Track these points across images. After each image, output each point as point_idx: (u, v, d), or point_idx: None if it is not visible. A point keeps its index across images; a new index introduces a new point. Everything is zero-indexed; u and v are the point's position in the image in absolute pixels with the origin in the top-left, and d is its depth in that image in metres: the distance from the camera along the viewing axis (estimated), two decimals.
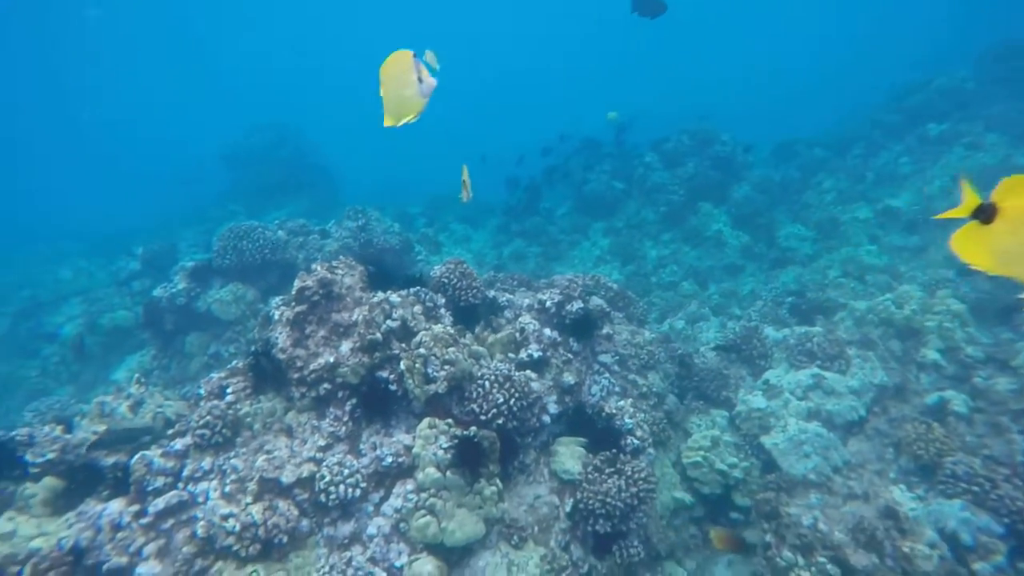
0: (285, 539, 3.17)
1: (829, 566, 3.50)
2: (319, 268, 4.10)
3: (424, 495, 3.32)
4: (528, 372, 4.06)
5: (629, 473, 3.80)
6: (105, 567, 3.10)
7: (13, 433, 3.81)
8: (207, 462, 3.59)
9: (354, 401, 3.70)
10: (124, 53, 37.77)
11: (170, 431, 3.94)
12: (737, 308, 8.62)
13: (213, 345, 7.09)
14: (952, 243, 1.59)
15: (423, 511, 3.27)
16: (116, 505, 3.38)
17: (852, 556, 3.50)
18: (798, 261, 9.53)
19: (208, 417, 3.64)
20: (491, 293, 4.78)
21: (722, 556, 4.60)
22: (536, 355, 4.21)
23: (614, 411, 4.32)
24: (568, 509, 3.76)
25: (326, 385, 3.74)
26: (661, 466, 4.85)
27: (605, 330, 4.95)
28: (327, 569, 3.05)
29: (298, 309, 3.94)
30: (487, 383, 3.72)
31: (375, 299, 3.99)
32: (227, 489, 3.40)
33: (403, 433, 3.66)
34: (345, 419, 3.68)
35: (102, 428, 3.94)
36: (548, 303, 4.66)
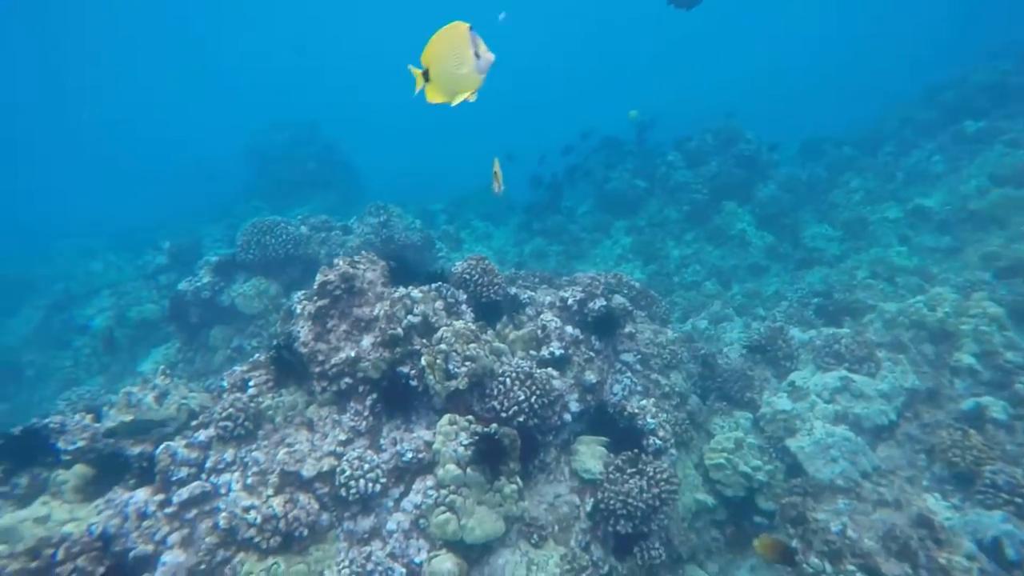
0: (305, 532, 3.18)
1: (859, 574, 3.40)
2: (341, 263, 4.11)
3: (444, 492, 3.30)
4: (550, 370, 4.02)
5: (651, 474, 3.74)
6: (132, 554, 3.14)
7: (46, 421, 3.91)
8: (229, 454, 3.62)
9: (375, 396, 3.71)
10: (134, 53, 38.59)
11: (194, 422, 3.98)
12: (761, 309, 8.46)
13: (236, 339, 7.18)
14: None
15: (443, 508, 3.26)
16: (142, 494, 3.43)
17: (883, 565, 3.39)
18: (825, 262, 9.32)
19: (231, 409, 3.67)
20: (513, 290, 4.74)
21: (745, 560, 4.51)
22: (558, 353, 4.16)
23: (636, 410, 4.25)
24: (589, 509, 3.72)
25: (347, 379, 3.75)
26: (683, 467, 4.77)
27: (627, 329, 4.88)
28: (347, 563, 3.05)
29: (320, 303, 3.95)
30: (508, 380, 3.69)
31: (396, 294, 3.99)
32: (249, 481, 3.43)
33: (423, 429, 3.65)
34: (365, 414, 3.68)
35: (129, 418, 4.01)
36: (570, 300, 4.61)
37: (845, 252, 9.32)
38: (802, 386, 5.33)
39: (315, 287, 4.02)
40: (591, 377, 4.21)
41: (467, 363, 3.64)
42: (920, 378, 5.01)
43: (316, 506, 3.29)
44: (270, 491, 3.34)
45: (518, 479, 3.48)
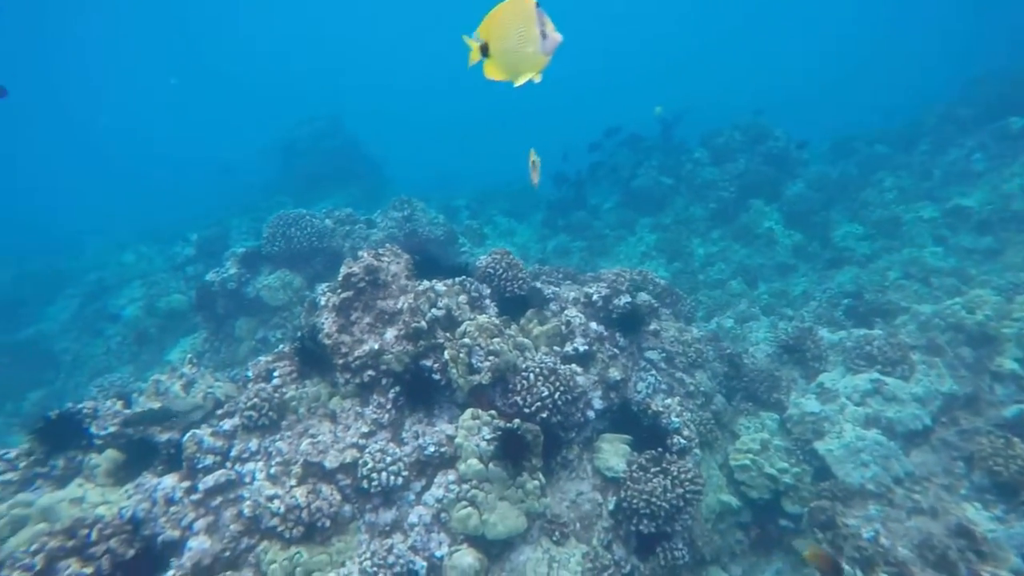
0: (328, 523, 3.19)
1: None
2: (366, 255, 4.11)
3: (466, 486, 3.29)
4: (573, 366, 3.98)
5: (675, 473, 3.68)
6: (160, 538, 3.20)
7: (80, 406, 4.01)
8: (254, 443, 3.66)
9: (397, 389, 3.70)
10: (164, 54, 39.39)
11: (219, 411, 4.04)
12: (789, 308, 8.29)
13: (261, 330, 7.27)
14: None
15: (464, 502, 3.24)
16: (169, 480, 3.48)
17: (919, 575, 3.28)
18: (855, 262, 9.09)
19: (255, 399, 3.71)
20: (537, 285, 4.70)
21: (770, 564, 4.42)
22: (582, 349, 4.12)
23: (661, 409, 4.19)
24: (611, 507, 3.67)
25: (370, 372, 3.75)
26: (707, 467, 4.69)
27: (652, 326, 4.82)
28: (368, 555, 3.05)
29: (344, 295, 3.96)
30: (532, 375, 3.65)
31: (420, 287, 3.98)
32: (272, 471, 3.46)
33: (445, 423, 3.64)
34: (388, 406, 3.68)
35: (157, 405, 4.08)
36: (595, 296, 4.56)
37: (876, 252, 9.07)
38: (831, 388, 5.20)
39: (339, 279, 4.03)
40: (615, 374, 4.16)
41: (490, 358, 3.62)
42: (958, 383, 4.84)
43: (338, 497, 3.30)
44: (293, 481, 3.36)
45: (540, 475, 3.45)
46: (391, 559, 3.05)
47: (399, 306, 3.92)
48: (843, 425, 4.75)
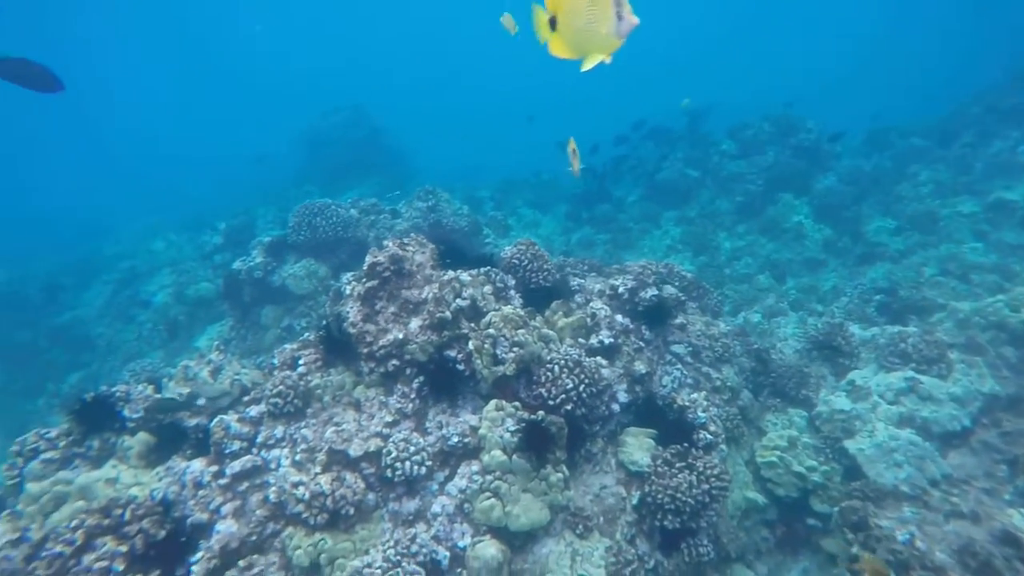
0: (352, 511, 3.21)
1: None
2: (391, 244, 4.11)
3: (489, 477, 3.28)
4: (598, 358, 3.93)
5: (701, 469, 3.62)
6: (189, 520, 3.26)
7: (114, 389, 4.11)
8: (279, 430, 3.70)
9: (421, 379, 3.70)
10: (195, 51, 40.03)
11: (246, 398, 4.09)
12: (818, 304, 8.10)
13: (286, 318, 7.36)
14: None
15: (488, 493, 3.23)
16: (198, 464, 3.55)
17: None
18: (888, 257, 8.82)
19: (281, 387, 3.74)
20: (561, 277, 4.66)
21: (797, 563, 4.34)
22: (607, 341, 4.06)
23: (687, 403, 4.12)
24: (635, 502, 3.63)
25: (394, 361, 3.76)
26: (733, 464, 4.61)
27: (678, 320, 4.73)
28: (392, 544, 3.06)
29: (369, 284, 3.97)
30: (556, 367, 3.62)
31: (445, 277, 3.97)
32: (297, 458, 3.49)
33: (469, 414, 3.63)
34: (412, 396, 3.69)
35: (186, 390, 4.15)
36: (621, 289, 4.49)
37: (911, 247, 8.78)
38: (863, 385, 5.06)
39: (365, 268, 4.04)
40: (641, 368, 4.10)
41: (515, 349, 3.59)
42: (1000, 383, 4.65)
43: (362, 486, 3.32)
44: (318, 468, 3.38)
45: (564, 468, 3.42)
46: (414, 548, 3.05)
47: (424, 296, 3.91)
48: (875, 424, 4.62)
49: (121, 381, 6.14)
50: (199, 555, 3.07)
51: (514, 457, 3.30)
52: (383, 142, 16.44)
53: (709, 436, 4.02)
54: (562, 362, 3.64)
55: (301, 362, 4.02)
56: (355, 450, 3.42)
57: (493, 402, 3.54)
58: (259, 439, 3.66)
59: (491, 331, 3.66)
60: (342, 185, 14.23)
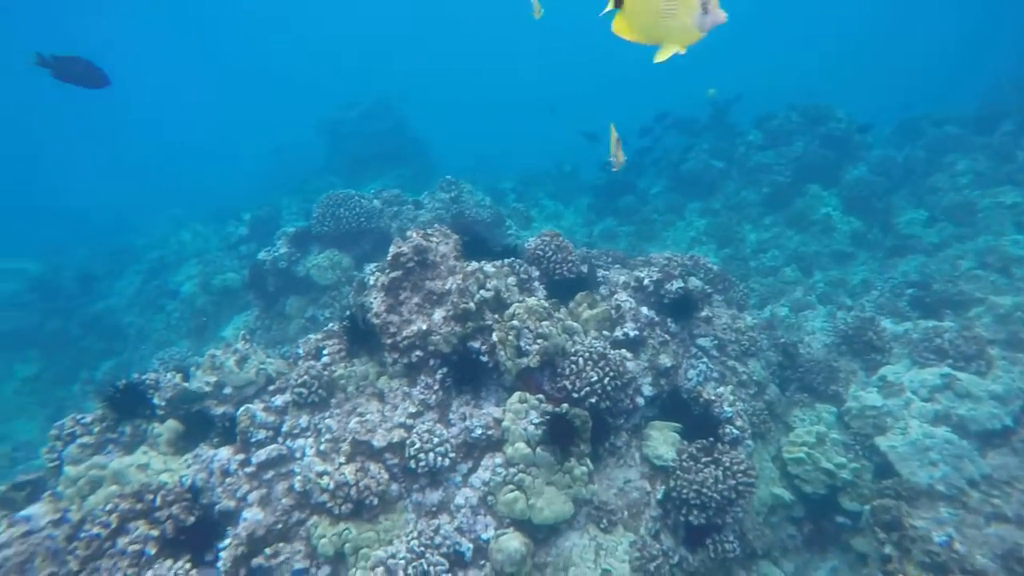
0: (376, 501, 3.22)
1: None
2: (414, 235, 4.10)
3: (513, 470, 3.26)
4: (623, 351, 3.88)
5: (727, 464, 3.56)
6: (217, 508, 3.31)
7: (144, 377, 4.19)
8: (304, 419, 3.73)
9: (445, 370, 3.69)
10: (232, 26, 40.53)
11: (271, 387, 4.13)
12: (847, 297, 7.90)
13: (310, 309, 7.44)
14: None
15: (511, 486, 3.22)
16: (225, 452, 3.60)
17: None
18: (921, 250, 8.56)
19: (305, 376, 3.77)
20: (586, 268, 4.60)
21: (825, 561, 4.26)
22: (632, 334, 4.01)
23: (713, 397, 4.05)
24: (660, 496, 3.58)
25: (418, 352, 3.76)
26: (759, 459, 4.53)
27: (704, 312, 4.65)
28: (416, 535, 3.07)
29: (393, 275, 3.96)
30: (581, 360, 3.58)
31: (469, 268, 3.94)
32: (322, 447, 3.51)
33: (492, 405, 3.62)
34: (435, 387, 3.68)
35: (213, 379, 4.22)
36: (646, 281, 4.42)
37: (946, 240, 8.50)
38: (895, 381, 4.92)
39: (388, 258, 4.03)
40: (666, 361, 4.03)
41: (539, 341, 3.56)
42: None
43: (386, 476, 3.33)
44: (342, 459, 3.40)
45: (588, 461, 3.39)
46: (438, 540, 3.06)
47: (448, 287, 3.90)
48: (908, 421, 4.49)
49: (151, 369, 6.28)
50: (227, 541, 3.11)
51: (538, 450, 3.28)
52: (406, 134, 16.47)
53: (735, 431, 3.94)
54: (586, 354, 3.60)
55: (325, 352, 4.05)
56: (379, 441, 3.43)
57: (517, 394, 3.52)
58: (284, 428, 3.70)
59: (515, 323, 3.63)
60: (365, 176, 14.30)
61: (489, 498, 3.26)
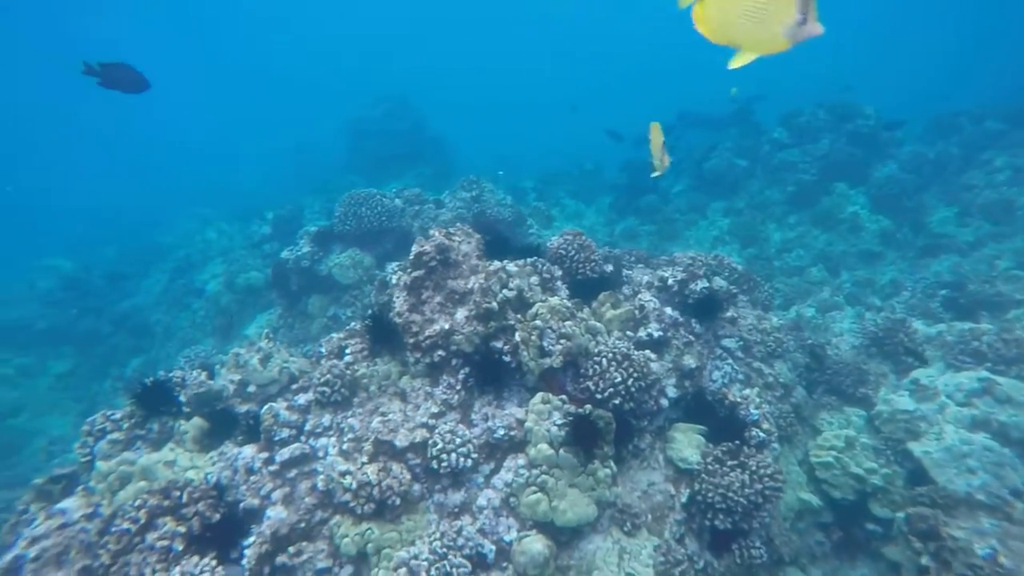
0: (398, 501, 3.21)
1: None
2: (437, 234, 4.09)
3: (536, 471, 3.23)
4: (647, 352, 3.82)
5: (754, 468, 3.48)
6: (241, 505, 3.34)
7: (171, 375, 4.26)
8: (327, 419, 3.74)
9: (467, 370, 3.68)
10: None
11: (294, 386, 4.16)
12: (876, 298, 7.71)
13: (332, 307, 7.50)
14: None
15: (534, 488, 3.18)
16: (249, 451, 3.63)
17: None
18: (954, 249, 8.32)
19: (328, 375, 3.78)
20: (609, 268, 4.55)
21: (855, 569, 4.15)
22: (656, 335, 3.94)
23: (738, 400, 3.96)
24: (684, 500, 3.52)
25: (440, 352, 3.74)
26: (786, 463, 4.43)
27: (729, 313, 4.56)
28: (438, 535, 3.06)
29: (415, 274, 3.95)
30: (604, 360, 3.53)
31: (492, 267, 3.92)
32: (345, 447, 3.52)
33: (515, 406, 3.59)
34: (458, 387, 3.67)
35: (237, 377, 4.27)
36: (670, 280, 4.35)
37: (981, 239, 8.25)
38: (929, 385, 4.76)
39: (411, 257, 4.02)
40: (690, 362, 3.96)
41: (562, 341, 3.52)
42: None
43: (408, 476, 3.32)
44: (364, 458, 3.40)
45: (612, 463, 3.34)
46: (460, 541, 3.04)
47: (470, 286, 3.88)
48: (943, 426, 4.34)
49: (177, 367, 6.39)
50: (251, 539, 3.14)
51: (561, 451, 3.24)
52: (426, 133, 16.56)
53: (762, 434, 3.85)
54: (610, 355, 3.55)
55: (348, 351, 4.06)
56: (401, 440, 3.43)
57: (539, 395, 3.48)
58: (307, 427, 3.72)
59: (538, 322, 3.59)
60: (386, 175, 14.40)
61: (511, 500, 3.24)
